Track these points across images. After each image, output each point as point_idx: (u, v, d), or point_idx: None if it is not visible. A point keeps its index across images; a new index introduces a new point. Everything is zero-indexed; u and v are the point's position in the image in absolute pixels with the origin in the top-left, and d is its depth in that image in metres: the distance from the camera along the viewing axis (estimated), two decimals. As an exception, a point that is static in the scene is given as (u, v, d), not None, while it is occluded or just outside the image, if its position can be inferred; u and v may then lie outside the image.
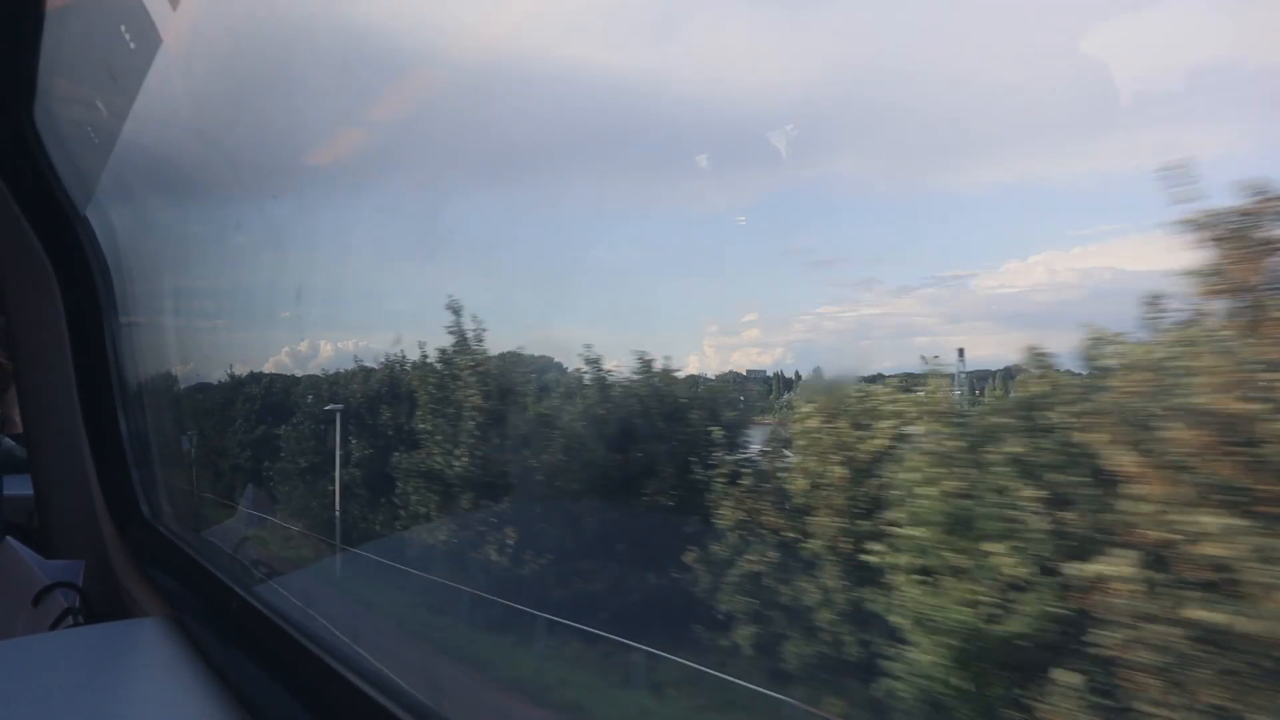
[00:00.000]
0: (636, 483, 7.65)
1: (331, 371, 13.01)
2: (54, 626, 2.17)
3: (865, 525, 5.25)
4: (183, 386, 7.08)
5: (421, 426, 9.79)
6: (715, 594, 6.34)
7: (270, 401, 14.30)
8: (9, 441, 4.06)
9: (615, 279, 10.50)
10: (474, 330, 9.76)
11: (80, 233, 3.05)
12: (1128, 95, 4.64)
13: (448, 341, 9.85)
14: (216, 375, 13.28)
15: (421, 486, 9.57)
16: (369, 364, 12.14)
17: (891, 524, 4.61)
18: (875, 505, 5.25)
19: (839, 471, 5.58)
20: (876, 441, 5.48)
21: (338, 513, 11.25)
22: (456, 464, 9.05)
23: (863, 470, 5.49)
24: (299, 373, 14.11)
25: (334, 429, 11.72)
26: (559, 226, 10.73)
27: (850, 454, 5.58)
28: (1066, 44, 4.62)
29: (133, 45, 2.44)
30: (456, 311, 9.77)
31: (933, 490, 4.17)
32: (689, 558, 6.62)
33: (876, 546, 4.72)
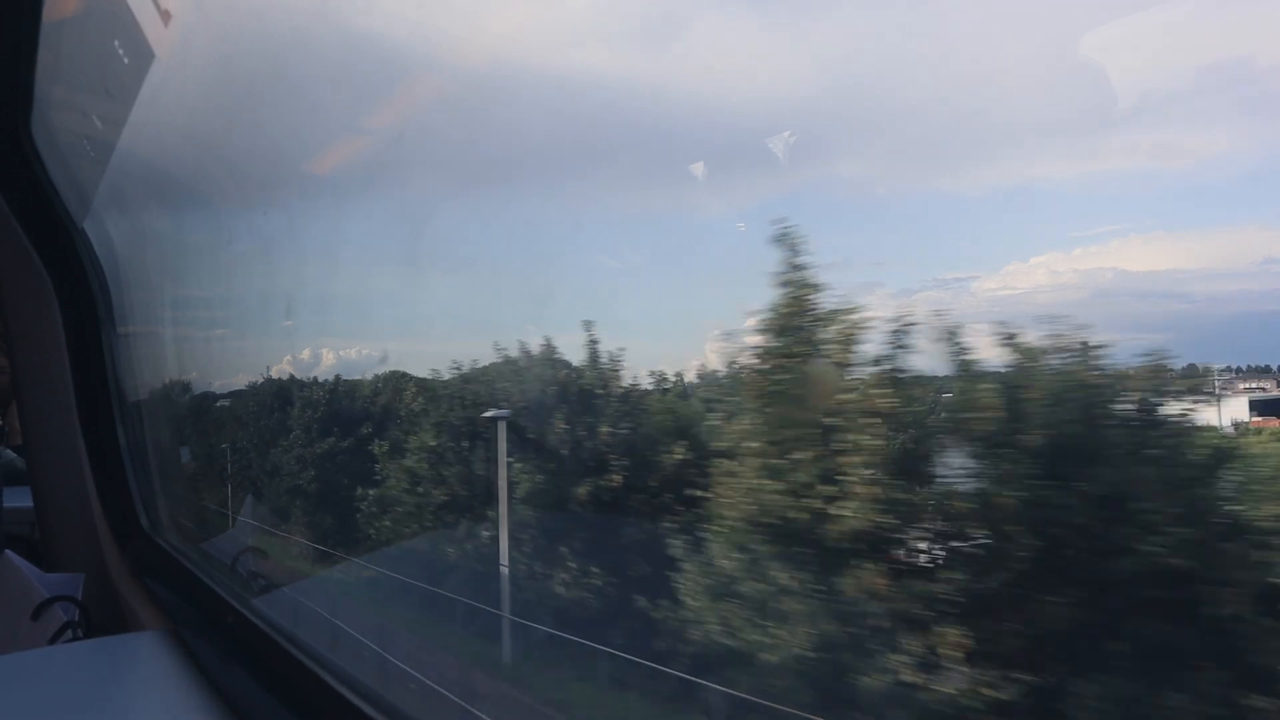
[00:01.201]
0: (1104, 535, 3.97)
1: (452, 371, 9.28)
2: (53, 640, 2.17)
3: None
4: (188, 397, 6.89)
5: (736, 445, 5.47)
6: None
7: (335, 407, 11.30)
8: (9, 453, 4.06)
9: (618, 283, 10.47)
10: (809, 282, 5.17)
11: (78, 244, 3.05)
12: (1128, 96, 4.64)
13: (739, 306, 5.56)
14: (242, 381, 11.60)
15: (746, 549, 5.21)
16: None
17: None
18: None
19: None
20: None
21: (504, 566, 7.56)
22: (847, 514, 4.80)
23: None
24: (388, 370, 10.75)
25: (493, 447, 7.83)
26: (560, 232, 10.71)
27: None
28: (1067, 44, 4.61)
29: (126, 59, 2.45)
30: (794, 246, 5.23)
31: None
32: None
33: None
